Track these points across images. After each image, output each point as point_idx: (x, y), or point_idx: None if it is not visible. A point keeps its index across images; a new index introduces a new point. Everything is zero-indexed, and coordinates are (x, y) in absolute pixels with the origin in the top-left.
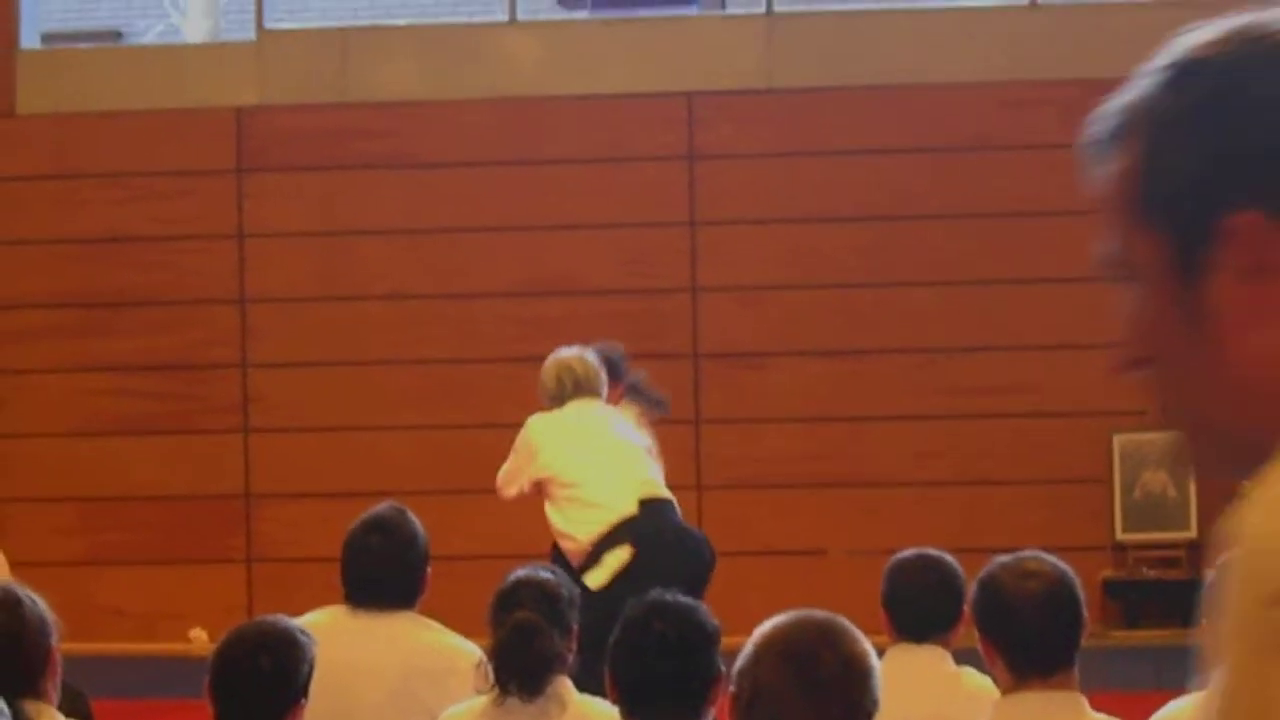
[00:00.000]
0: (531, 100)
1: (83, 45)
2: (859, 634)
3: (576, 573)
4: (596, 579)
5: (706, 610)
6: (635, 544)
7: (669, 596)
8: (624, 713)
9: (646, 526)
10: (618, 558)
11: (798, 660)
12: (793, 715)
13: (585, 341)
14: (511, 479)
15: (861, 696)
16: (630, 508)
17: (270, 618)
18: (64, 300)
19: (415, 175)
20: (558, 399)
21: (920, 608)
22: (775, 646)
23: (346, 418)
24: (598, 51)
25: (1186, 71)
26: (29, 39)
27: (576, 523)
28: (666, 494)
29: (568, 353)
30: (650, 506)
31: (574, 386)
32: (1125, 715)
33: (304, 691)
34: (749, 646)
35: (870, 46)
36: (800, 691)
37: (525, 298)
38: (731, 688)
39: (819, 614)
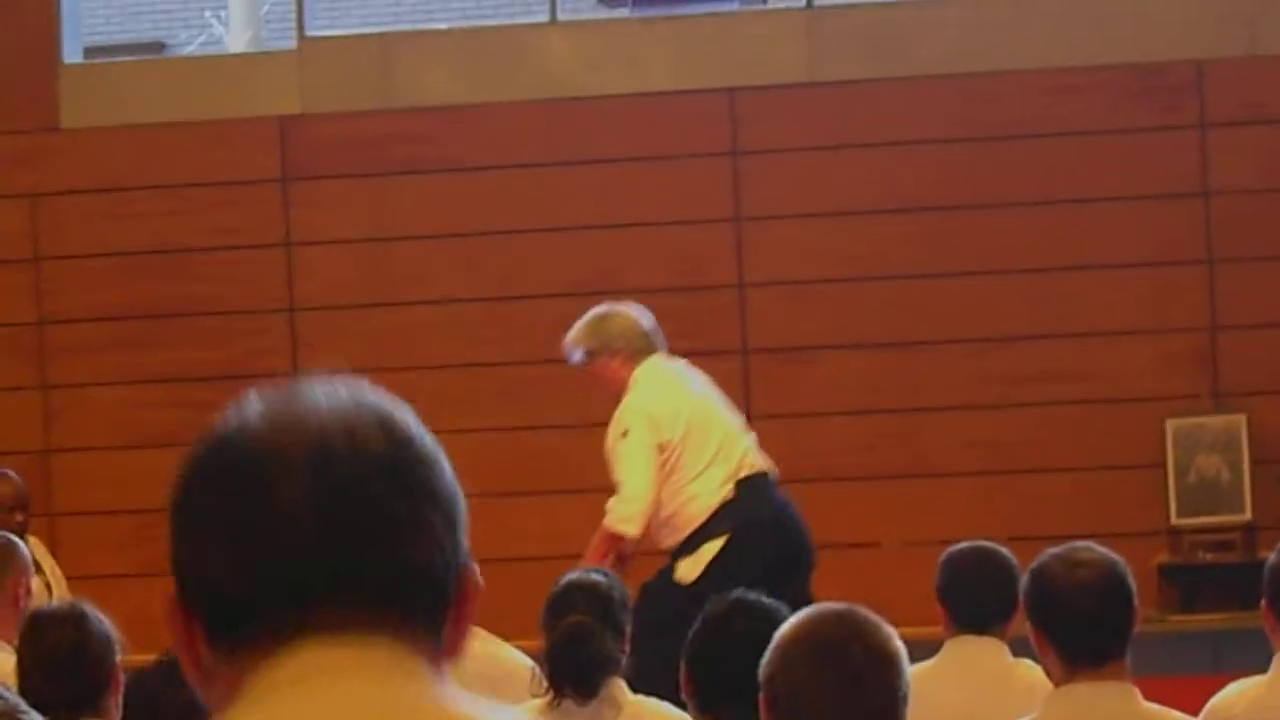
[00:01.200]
0: (574, 100)
1: (125, 58)
2: (881, 621)
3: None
4: (690, 572)
5: (788, 611)
6: (732, 532)
7: (752, 596)
8: (699, 711)
9: (747, 512)
10: (711, 549)
11: (827, 655)
12: (830, 711)
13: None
14: (645, 496)
15: (896, 682)
16: (729, 490)
17: None
18: (113, 313)
19: (459, 179)
20: (644, 350)
21: (977, 600)
22: (802, 645)
23: None
24: (639, 50)
25: (185, 467)
26: (71, 53)
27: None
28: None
29: (613, 305)
30: (750, 485)
31: (654, 333)
32: (1186, 698)
33: None
34: (774, 649)
35: (913, 36)
36: (834, 686)
37: (572, 298)
38: (761, 693)
39: (838, 606)
